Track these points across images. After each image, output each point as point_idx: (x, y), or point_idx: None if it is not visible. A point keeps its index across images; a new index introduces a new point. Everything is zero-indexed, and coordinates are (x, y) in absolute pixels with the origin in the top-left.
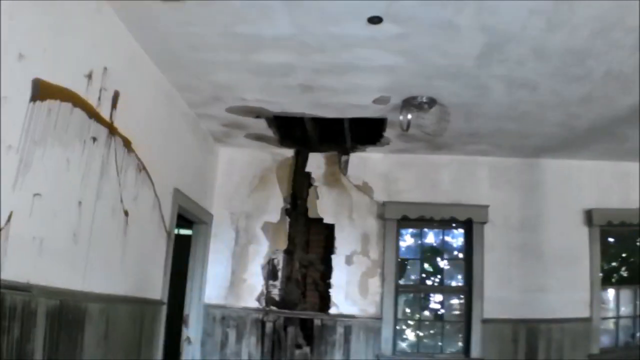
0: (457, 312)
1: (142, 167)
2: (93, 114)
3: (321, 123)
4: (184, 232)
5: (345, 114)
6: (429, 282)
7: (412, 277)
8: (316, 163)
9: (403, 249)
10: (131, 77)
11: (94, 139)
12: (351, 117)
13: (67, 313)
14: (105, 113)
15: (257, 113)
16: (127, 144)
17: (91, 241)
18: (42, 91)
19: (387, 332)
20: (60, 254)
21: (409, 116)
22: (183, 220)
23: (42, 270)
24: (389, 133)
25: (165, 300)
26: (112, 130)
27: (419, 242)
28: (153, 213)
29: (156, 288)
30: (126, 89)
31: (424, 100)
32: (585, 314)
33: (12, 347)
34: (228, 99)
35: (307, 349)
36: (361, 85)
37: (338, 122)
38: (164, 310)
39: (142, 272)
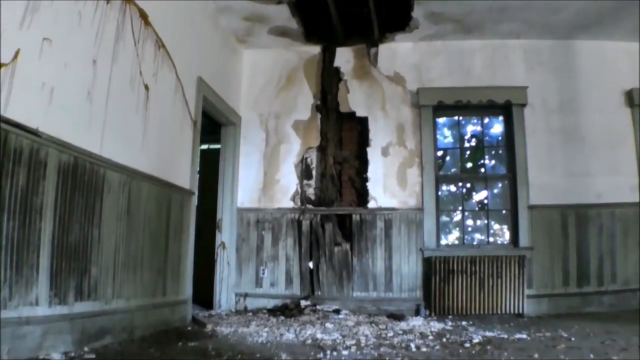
0: (501, 203)
1: (161, 45)
2: None
3: (345, 6)
4: (214, 147)
5: None
6: (469, 173)
7: (453, 170)
8: (344, 57)
9: (441, 140)
10: None
11: (107, 0)
12: None
13: (83, 174)
14: None
15: None
16: (143, 16)
17: (108, 105)
18: None
19: (429, 224)
20: (74, 111)
21: None
22: (211, 122)
23: (54, 122)
24: (417, 12)
25: (195, 190)
26: None
27: (457, 132)
28: (176, 97)
29: (183, 176)
30: None
31: None
32: (634, 198)
33: (16, 193)
34: None
35: (346, 246)
36: None
37: (362, 3)
38: (193, 200)
39: (166, 154)
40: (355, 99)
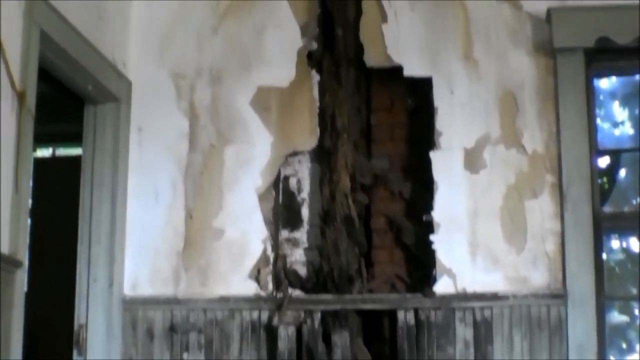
0: None
1: None
2: None
3: None
4: (66, 152)
5: None
6: None
7: (635, 201)
8: None
9: (606, 129)
10: None
11: None
12: None
13: None
14: None
15: None
16: None
17: None
18: None
19: (582, 329)
20: None
21: None
22: (60, 95)
23: None
24: None
25: (24, 258)
26: None
27: None
28: None
29: None
30: None
31: None
32: None
33: None
34: None
35: None
36: None
37: None
38: (18, 281)
39: None
40: (402, 35)
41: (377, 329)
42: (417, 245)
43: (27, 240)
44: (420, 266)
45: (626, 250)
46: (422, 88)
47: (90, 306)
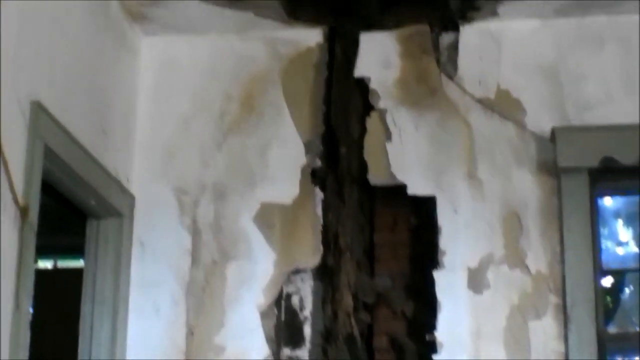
0: None
1: None
2: None
3: None
4: (67, 265)
5: None
6: None
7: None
8: (380, 55)
9: (609, 249)
10: None
11: None
12: None
13: None
14: None
15: None
16: None
17: None
18: None
19: None
20: None
21: None
22: (62, 208)
23: None
24: None
25: None
26: None
27: None
28: None
29: None
30: None
31: None
32: None
33: None
34: None
35: None
36: None
37: None
38: None
39: None
40: (406, 153)
41: None
42: None
43: (27, 356)
44: None
45: None
46: (425, 207)
47: None
